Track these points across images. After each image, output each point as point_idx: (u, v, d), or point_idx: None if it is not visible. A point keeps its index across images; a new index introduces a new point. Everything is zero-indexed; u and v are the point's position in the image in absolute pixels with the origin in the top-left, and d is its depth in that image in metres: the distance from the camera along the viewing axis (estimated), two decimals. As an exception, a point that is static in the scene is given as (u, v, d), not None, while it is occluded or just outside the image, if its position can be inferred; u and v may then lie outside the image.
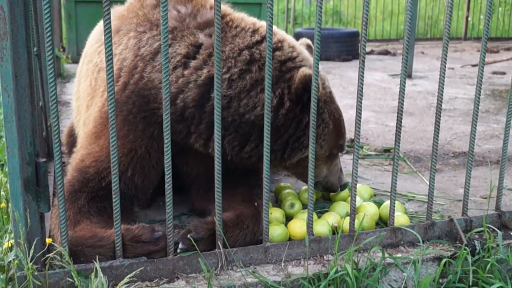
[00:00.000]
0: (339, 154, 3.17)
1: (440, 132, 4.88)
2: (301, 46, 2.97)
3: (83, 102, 3.20)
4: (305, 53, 2.89)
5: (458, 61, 10.11)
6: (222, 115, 2.64)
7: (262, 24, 2.86)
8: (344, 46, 9.70)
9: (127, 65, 2.81)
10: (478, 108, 2.77)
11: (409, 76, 8.15)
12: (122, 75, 2.81)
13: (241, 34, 2.77)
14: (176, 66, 2.71)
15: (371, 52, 11.07)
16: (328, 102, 2.85)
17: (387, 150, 4.41)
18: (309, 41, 3.15)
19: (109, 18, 2.11)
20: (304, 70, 2.63)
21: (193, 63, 2.70)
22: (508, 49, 11.79)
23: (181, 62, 2.71)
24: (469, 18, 13.78)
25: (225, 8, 2.92)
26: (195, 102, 2.68)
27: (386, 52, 11.03)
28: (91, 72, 3.13)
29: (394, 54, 11.01)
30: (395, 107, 5.97)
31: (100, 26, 3.21)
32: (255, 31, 2.80)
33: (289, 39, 2.90)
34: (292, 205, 3.01)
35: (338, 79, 8.02)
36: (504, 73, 8.58)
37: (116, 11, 3.16)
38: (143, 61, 2.77)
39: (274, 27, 2.90)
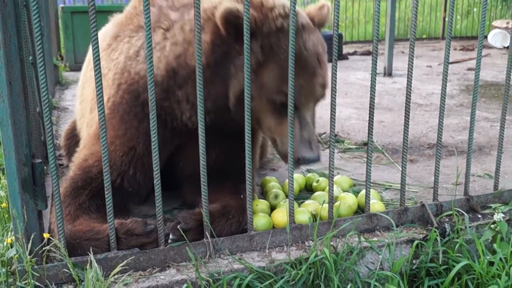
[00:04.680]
0: (301, 118, 2.66)
1: (417, 125, 5.02)
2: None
3: (87, 105, 3.25)
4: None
5: (435, 59, 10.18)
6: (178, 72, 2.67)
7: None
8: (328, 48, 9.73)
9: (119, 68, 2.88)
10: (444, 102, 2.85)
11: (389, 74, 8.21)
12: (116, 78, 2.87)
13: (205, 6, 2.66)
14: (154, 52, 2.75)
15: (354, 53, 11.13)
16: (270, 32, 2.58)
17: (366, 144, 4.46)
18: (325, 3, 2.94)
19: (96, 27, 2.16)
20: (221, 7, 2.53)
21: (162, 44, 2.75)
22: (483, 47, 11.88)
23: (156, 48, 2.75)
24: (446, 19, 13.85)
25: None
26: (167, 72, 2.71)
27: (368, 53, 11.07)
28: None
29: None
30: (376, 104, 6.02)
31: (102, 33, 3.25)
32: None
33: None
34: (276, 196, 3.06)
35: (323, 79, 8.06)
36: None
37: (116, 18, 3.22)
38: (130, 60, 2.85)
39: None
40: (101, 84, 2.23)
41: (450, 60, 9.63)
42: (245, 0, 2.32)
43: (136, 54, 2.85)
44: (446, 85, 2.82)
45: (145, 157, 2.83)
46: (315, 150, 2.65)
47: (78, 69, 3.98)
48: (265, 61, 2.60)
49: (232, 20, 2.52)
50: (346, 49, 11.33)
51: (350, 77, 8.15)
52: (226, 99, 2.68)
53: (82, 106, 3.44)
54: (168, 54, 2.73)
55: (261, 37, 2.59)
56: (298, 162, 2.63)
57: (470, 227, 2.69)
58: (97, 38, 2.17)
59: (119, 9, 3.34)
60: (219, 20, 2.55)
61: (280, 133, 2.67)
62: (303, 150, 2.62)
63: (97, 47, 2.18)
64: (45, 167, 2.67)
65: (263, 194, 3.26)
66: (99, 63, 2.21)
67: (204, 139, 2.39)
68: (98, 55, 2.20)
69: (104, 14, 3.61)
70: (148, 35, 2.22)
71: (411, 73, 2.72)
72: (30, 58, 2.90)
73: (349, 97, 6.70)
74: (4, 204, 2.82)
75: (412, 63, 2.71)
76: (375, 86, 2.68)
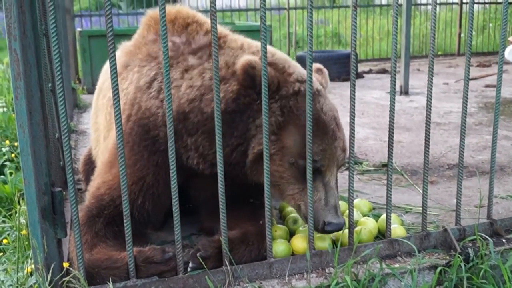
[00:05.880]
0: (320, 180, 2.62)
1: (435, 145, 4.97)
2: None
3: (101, 133, 3.28)
4: (284, 57, 2.80)
5: (452, 76, 10.12)
6: (189, 118, 2.66)
7: (254, 43, 2.86)
8: (343, 67, 9.72)
9: (129, 98, 2.88)
10: (465, 122, 2.80)
11: (406, 92, 8.16)
12: (126, 108, 2.87)
13: (226, 52, 2.76)
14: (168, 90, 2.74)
15: (370, 71, 11.10)
16: (288, 95, 2.61)
17: (385, 165, 4.40)
18: (319, 65, 3.04)
19: (114, 55, 2.17)
20: (242, 59, 2.59)
21: (179, 83, 2.74)
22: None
23: (173, 85, 2.73)
24: (462, 35, 13.79)
25: (222, 30, 2.92)
26: (177, 114, 2.68)
27: (383, 71, 11.04)
28: (106, 106, 3.21)
29: (392, 72, 11.02)
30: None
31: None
32: (241, 48, 2.80)
33: (271, 48, 2.80)
34: (294, 221, 3.03)
35: (339, 98, 8.05)
36: (495, 86, 8.57)
37: (125, 47, 3.23)
38: (140, 92, 2.84)
39: (275, 50, 2.87)
40: (119, 112, 2.23)
41: (467, 77, 9.54)
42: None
43: (147, 86, 2.82)
44: (466, 105, 2.78)
45: (154, 187, 2.83)
46: (341, 217, 2.61)
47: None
48: (285, 123, 2.59)
49: (250, 71, 2.54)
50: (361, 68, 11.32)
51: (366, 96, 8.12)
52: (239, 155, 2.65)
53: (96, 134, 3.47)
54: (181, 96, 2.71)
55: (280, 98, 2.61)
56: (324, 226, 2.58)
57: (494, 252, 2.64)
58: (115, 66, 2.18)
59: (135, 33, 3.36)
60: (239, 70, 2.57)
61: (305, 199, 2.58)
62: (329, 216, 2.57)
63: (116, 75, 2.19)
64: (64, 193, 2.68)
65: (282, 219, 3.23)
66: (118, 93, 2.21)
67: (223, 167, 2.38)
68: (117, 81, 2.20)
69: (120, 37, 3.63)
70: (166, 76, 2.23)
71: (431, 94, 2.69)
72: (50, 85, 2.92)
73: (366, 116, 6.66)
74: (24, 231, 2.83)
75: (431, 86, 2.67)
76: (394, 107, 2.65)
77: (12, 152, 4.66)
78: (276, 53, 2.80)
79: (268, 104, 2.42)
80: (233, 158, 2.66)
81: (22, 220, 3.03)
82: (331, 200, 2.61)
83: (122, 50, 3.23)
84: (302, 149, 2.53)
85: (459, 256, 2.57)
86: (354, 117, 2.55)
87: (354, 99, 2.56)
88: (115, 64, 2.19)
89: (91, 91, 8.14)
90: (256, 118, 2.60)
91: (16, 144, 4.81)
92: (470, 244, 2.73)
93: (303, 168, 2.55)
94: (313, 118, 2.54)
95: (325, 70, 3.04)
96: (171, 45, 2.87)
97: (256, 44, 2.86)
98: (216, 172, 2.44)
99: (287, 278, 2.51)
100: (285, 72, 2.68)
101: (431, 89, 2.69)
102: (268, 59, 2.65)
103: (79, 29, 8.98)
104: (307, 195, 2.54)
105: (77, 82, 8.53)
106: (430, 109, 2.71)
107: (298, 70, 2.76)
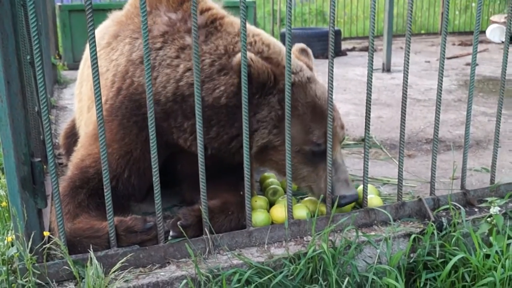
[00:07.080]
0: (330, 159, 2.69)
1: (415, 120, 5.06)
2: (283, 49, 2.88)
3: (85, 104, 3.25)
4: (278, 49, 2.83)
5: (434, 54, 10.20)
6: (188, 101, 2.68)
7: (250, 31, 2.84)
8: (327, 45, 9.71)
9: (120, 71, 2.85)
10: (440, 97, 2.87)
11: (388, 70, 8.23)
12: (116, 81, 2.85)
13: (224, 36, 2.78)
14: (163, 67, 2.74)
15: (353, 49, 11.15)
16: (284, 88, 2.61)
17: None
18: (303, 45, 3.13)
19: (93, 27, 2.18)
20: (238, 55, 2.58)
21: (175, 62, 2.74)
22: (481, 42, 11.87)
23: (169, 64, 2.75)
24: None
25: (219, 12, 2.91)
26: (174, 96, 2.71)
27: (367, 49, 11.05)
28: (91, 76, 3.18)
29: (375, 50, 11.08)
30: (375, 99, 6.05)
31: (100, 30, 3.24)
32: (239, 35, 2.79)
33: (266, 38, 2.87)
34: (274, 193, 3.09)
35: (322, 75, 8.08)
36: (476, 65, 8.65)
37: (116, 16, 3.18)
38: (133, 66, 2.81)
39: (258, 30, 2.93)
40: (99, 85, 2.26)
41: (449, 55, 9.67)
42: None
43: (140, 60, 2.78)
44: (442, 80, 2.84)
45: (141, 162, 2.85)
46: (352, 189, 2.74)
47: (77, 67, 4.00)
48: (284, 115, 2.61)
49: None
50: (344, 45, 11.36)
51: (349, 73, 8.17)
52: (239, 145, 2.68)
53: (80, 104, 3.45)
54: (180, 78, 2.70)
55: (278, 92, 2.66)
56: (339, 201, 2.68)
57: (466, 220, 2.72)
58: (94, 37, 2.19)
59: (117, 7, 3.33)
60: (235, 67, 2.59)
61: (314, 180, 2.76)
62: (341, 190, 2.71)
63: (94, 46, 2.20)
64: (44, 166, 2.69)
65: (262, 191, 3.29)
66: (97, 63, 2.23)
67: (202, 138, 2.41)
68: (96, 56, 2.22)
69: (101, 12, 3.61)
70: (146, 51, 2.24)
71: (407, 70, 2.75)
72: (28, 57, 2.91)
73: (348, 93, 6.72)
74: (4, 203, 2.85)
75: (409, 56, 2.73)
76: (371, 80, 2.70)
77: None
78: (270, 44, 2.82)
79: (266, 98, 2.62)
80: (231, 146, 2.73)
81: (2, 193, 3.05)
82: (340, 176, 2.73)
83: (113, 19, 3.17)
84: (305, 136, 2.67)
85: (433, 224, 2.65)
86: (332, 91, 2.61)
87: (332, 72, 2.61)
88: (94, 38, 2.20)
89: (72, 67, 8.09)
90: (256, 112, 2.65)
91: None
92: (444, 213, 2.82)
93: (309, 153, 2.70)
94: (310, 106, 2.67)
95: (310, 51, 3.10)
96: (167, 20, 2.85)
97: (253, 31, 2.86)
98: (207, 152, 2.48)
99: (266, 246, 2.58)
100: (279, 65, 2.73)
101: (408, 65, 2.75)
102: (264, 54, 2.74)
103: (59, 3, 8.82)
104: (317, 175, 2.70)
105: (58, 57, 8.42)
106: (407, 84, 2.77)
107: (292, 61, 2.77)
